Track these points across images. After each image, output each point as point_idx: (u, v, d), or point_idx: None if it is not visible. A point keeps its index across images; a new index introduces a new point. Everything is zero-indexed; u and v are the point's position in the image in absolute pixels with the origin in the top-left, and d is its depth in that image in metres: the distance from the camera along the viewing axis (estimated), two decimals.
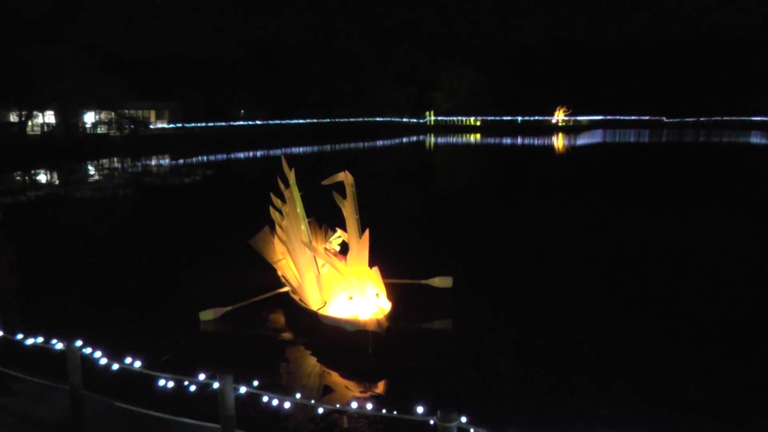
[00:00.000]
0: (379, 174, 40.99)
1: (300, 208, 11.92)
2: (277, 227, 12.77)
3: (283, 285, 12.98)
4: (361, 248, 11.17)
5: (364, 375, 9.70)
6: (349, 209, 11.85)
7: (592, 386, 9.26)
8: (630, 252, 17.74)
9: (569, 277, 15.19)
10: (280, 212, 12.61)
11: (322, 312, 10.85)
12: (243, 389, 6.45)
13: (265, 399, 6.56)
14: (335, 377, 9.77)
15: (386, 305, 10.84)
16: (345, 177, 12.10)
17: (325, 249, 13.04)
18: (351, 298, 10.72)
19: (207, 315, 12.00)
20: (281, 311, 12.50)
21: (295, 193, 11.92)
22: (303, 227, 11.80)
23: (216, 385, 6.36)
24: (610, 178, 40.44)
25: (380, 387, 9.36)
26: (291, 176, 11.98)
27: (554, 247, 18.40)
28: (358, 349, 10.17)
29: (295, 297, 11.97)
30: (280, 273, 13.52)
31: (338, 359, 10.19)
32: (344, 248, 12.92)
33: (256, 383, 6.71)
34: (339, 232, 14.24)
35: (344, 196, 11.96)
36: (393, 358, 10.13)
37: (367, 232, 11.24)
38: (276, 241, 13.47)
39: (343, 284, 10.93)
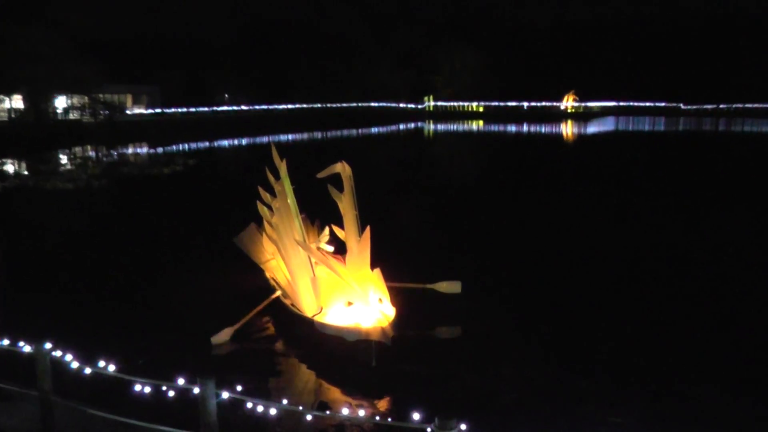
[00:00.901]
0: (376, 165, 40.94)
1: (292, 203, 11.66)
2: (266, 224, 12.57)
3: (272, 288, 12.61)
4: (361, 248, 10.80)
5: (360, 380, 9.66)
6: (346, 204, 11.31)
7: (602, 393, 9.29)
8: (644, 253, 17.76)
9: (581, 279, 15.21)
10: (270, 208, 12.30)
11: (318, 319, 10.48)
12: (225, 395, 6.47)
13: (249, 405, 6.59)
14: (328, 385, 9.69)
15: (390, 312, 10.54)
16: (342, 168, 11.54)
17: (319, 249, 12.62)
18: (351, 303, 10.41)
19: (220, 339, 11.02)
20: (270, 317, 12.22)
21: (286, 187, 11.63)
22: (296, 224, 11.52)
23: (196, 390, 6.38)
24: (623, 170, 40.47)
25: (376, 392, 9.33)
26: (282, 167, 11.74)
27: (565, 246, 18.43)
28: (360, 361, 9.84)
29: (287, 302, 11.66)
30: (268, 275, 13.17)
31: (336, 372, 9.92)
32: (340, 248, 12.54)
33: (239, 388, 6.74)
34: (329, 230, 13.77)
35: (341, 190, 11.41)
36: (392, 363, 9.94)
37: (368, 231, 10.81)
38: (264, 239, 13.31)
39: (341, 288, 10.57)
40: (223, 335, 11.04)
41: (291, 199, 11.68)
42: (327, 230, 13.77)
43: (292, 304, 11.44)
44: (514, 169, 42.16)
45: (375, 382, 9.63)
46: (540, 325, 12.10)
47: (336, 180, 11.54)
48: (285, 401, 6.73)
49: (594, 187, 31.86)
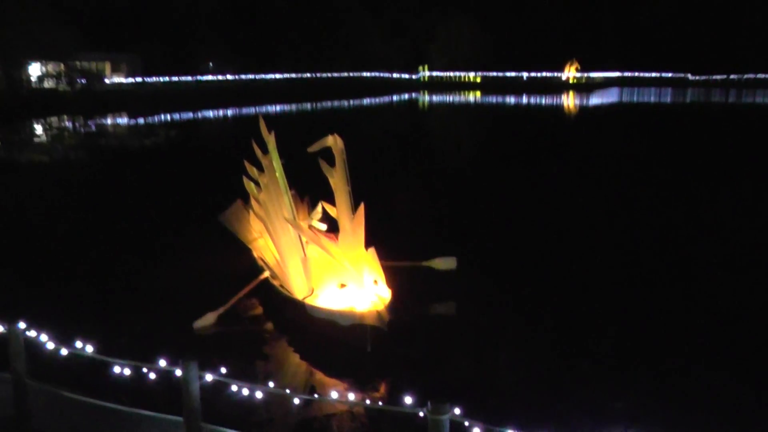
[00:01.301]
0: (369, 138, 40.76)
1: (281, 179, 11.50)
2: (253, 201, 12.37)
3: (260, 269, 12.48)
4: (355, 226, 10.70)
5: (352, 364, 9.62)
6: (338, 180, 11.18)
7: (604, 376, 9.32)
8: (649, 233, 17.78)
9: (582, 258, 15.22)
10: (257, 183, 12.10)
11: (309, 302, 10.37)
12: (209, 377, 6.44)
13: (235, 389, 6.56)
14: (318, 369, 9.65)
15: (386, 294, 10.42)
16: (333, 142, 11.38)
17: (311, 227, 12.49)
18: (344, 285, 10.34)
19: (203, 323, 10.89)
20: (258, 299, 12.14)
21: (275, 161, 11.47)
22: (285, 201, 11.36)
23: (179, 372, 6.34)
24: (628, 145, 40.45)
25: (368, 376, 9.31)
26: (270, 141, 11.56)
27: (566, 225, 18.44)
28: (354, 346, 9.74)
29: (275, 283, 11.56)
30: (256, 255, 13.05)
31: (328, 357, 9.85)
32: (332, 226, 12.39)
33: (224, 371, 6.70)
34: (321, 207, 13.39)
35: (332, 165, 11.29)
36: (386, 347, 9.87)
37: (362, 208, 10.69)
38: (252, 217, 13.10)
39: (334, 269, 10.48)
40: (207, 319, 10.90)
41: (280, 175, 11.51)
42: (319, 207, 13.42)
43: (281, 286, 11.30)
44: (513, 143, 42.07)
45: (367, 365, 9.61)
46: (539, 305, 12.11)
47: (327, 154, 11.39)
48: (272, 385, 6.69)
49: (595, 163, 31.83)
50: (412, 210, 20.10)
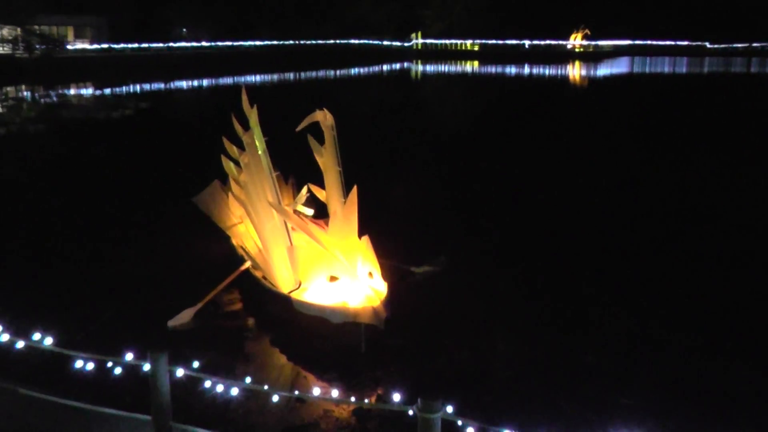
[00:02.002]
0: (358, 112, 40.55)
1: (264, 158, 11.25)
2: (232, 182, 12.20)
3: (240, 258, 12.18)
4: (347, 212, 10.48)
5: (338, 357, 9.54)
6: (328, 159, 11.03)
7: (611, 370, 9.34)
8: (657, 216, 17.83)
9: (587, 243, 15.25)
10: (237, 163, 11.94)
11: (295, 296, 10.10)
12: (180, 372, 6.41)
13: (208, 385, 6.54)
14: (302, 366, 9.53)
15: (382, 288, 10.17)
16: (323, 117, 11.17)
17: (296, 212, 12.20)
18: (335, 278, 10.08)
19: (178, 322, 10.62)
20: (237, 291, 11.94)
21: (258, 138, 11.21)
22: (269, 183, 11.09)
23: (146, 366, 6.31)
24: (638, 121, 40.49)
25: (355, 370, 9.22)
26: (252, 115, 11.35)
27: (568, 207, 18.47)
28: (345, 346, 9.58)
29: (257, 274, 11.36)
30: (235, 242, 12.78)
31: (314, 354, 9.72)
32: (321, 211, 12.19)
33: (196, 364, 6.68)
34: (307, 190, 13.02)
35: (322, 143, 11.13)
36: (375, 337, 9.73)
37: (354, 191, 10.41)
38: (231, 200, 12.89)
39: (324, 259, 10.19)
40: (182, 318, 10.69)
41: (263, 153, 11.26)
42: (304, 190, 13.08)
43: (264, 277, 11.13)
44: (513, 118, 42.05)
45: (354, 358, 9.54)
46: (541, 292, 12.15)
47: (315, 130, 11.22)
48: (249, 380, 6.66)
49: (605, 138, 31.88)
50: (405, 191, 20.07)
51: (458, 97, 59.94)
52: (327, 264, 10.16)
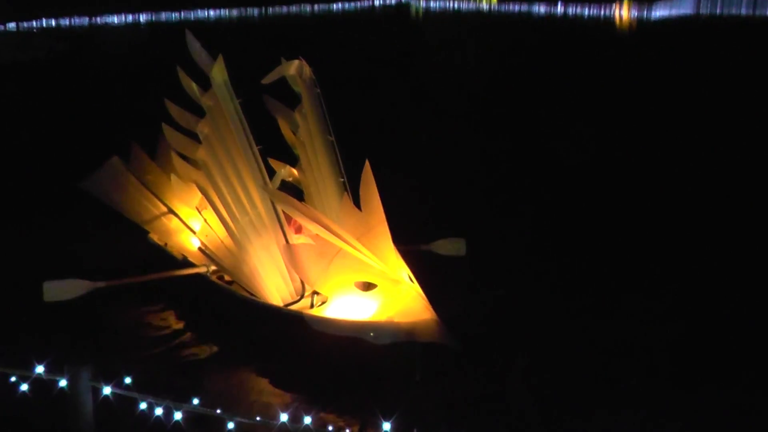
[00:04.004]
0: (342, 62, 40.39)
1: (241, 128, 10.58)
2: (177, 161, 11.18)
3: (171, 260, 11.90)
4: (368, 194, 10.05)
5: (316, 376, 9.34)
6: (312, 126, 10.99)
7: (638, 398, 9.31)
8: (703, 210, 17.74)
9: (614, 240, 15.18)
10: (189, 134, 11.01)
11: (315, 313, 9.65)
12: (107, 390, 6.45)
13: (144, 406, 6.57)
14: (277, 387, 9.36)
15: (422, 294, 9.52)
16: (298, 69, 11.10)
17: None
18: (366, 287, 9.60)
19: (57, 291, 10.54)
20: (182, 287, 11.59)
21: (230, 102, 10.56)
22: (252, 162, 10.53)
23: (63, 382, 6.34)
24: (702, 79, 40.42)
25: (340, 393, 8.96)
26: (218, 69, 10.51)
27: (599, 194, 18.37)
28: (393, 374, 9.01)
29: (213, 278, 11.06)
30: (156, 239, 12.45)
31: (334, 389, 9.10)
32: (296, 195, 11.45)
33: (128, 380, 6.70)
34: (284, 170, 12.21)
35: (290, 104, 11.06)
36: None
37: (368, 166, 10.05)
38: (174, 184, 11.85)
39: (350, 261, 9.56)
40: (69, 285, 10.57)
41: (239, 121, 10.63)
42: (284, 170, 12.21)
43: (231, 282, 10.83)
44: (541, 72, 42.07)
45: (339, 379, 9.20)
46: (565, 299, 12.16)
47: (279, 90, 11.16)
48: (195, 401, 6.69)
49: (654, 104, 31.80)
50: (405, 161, 20.09)
51: (470, 43, 59.88)
52: (356, 266, 9.63)
